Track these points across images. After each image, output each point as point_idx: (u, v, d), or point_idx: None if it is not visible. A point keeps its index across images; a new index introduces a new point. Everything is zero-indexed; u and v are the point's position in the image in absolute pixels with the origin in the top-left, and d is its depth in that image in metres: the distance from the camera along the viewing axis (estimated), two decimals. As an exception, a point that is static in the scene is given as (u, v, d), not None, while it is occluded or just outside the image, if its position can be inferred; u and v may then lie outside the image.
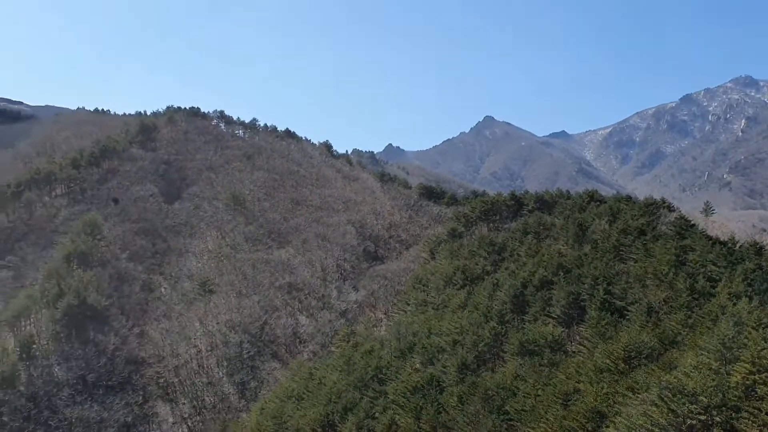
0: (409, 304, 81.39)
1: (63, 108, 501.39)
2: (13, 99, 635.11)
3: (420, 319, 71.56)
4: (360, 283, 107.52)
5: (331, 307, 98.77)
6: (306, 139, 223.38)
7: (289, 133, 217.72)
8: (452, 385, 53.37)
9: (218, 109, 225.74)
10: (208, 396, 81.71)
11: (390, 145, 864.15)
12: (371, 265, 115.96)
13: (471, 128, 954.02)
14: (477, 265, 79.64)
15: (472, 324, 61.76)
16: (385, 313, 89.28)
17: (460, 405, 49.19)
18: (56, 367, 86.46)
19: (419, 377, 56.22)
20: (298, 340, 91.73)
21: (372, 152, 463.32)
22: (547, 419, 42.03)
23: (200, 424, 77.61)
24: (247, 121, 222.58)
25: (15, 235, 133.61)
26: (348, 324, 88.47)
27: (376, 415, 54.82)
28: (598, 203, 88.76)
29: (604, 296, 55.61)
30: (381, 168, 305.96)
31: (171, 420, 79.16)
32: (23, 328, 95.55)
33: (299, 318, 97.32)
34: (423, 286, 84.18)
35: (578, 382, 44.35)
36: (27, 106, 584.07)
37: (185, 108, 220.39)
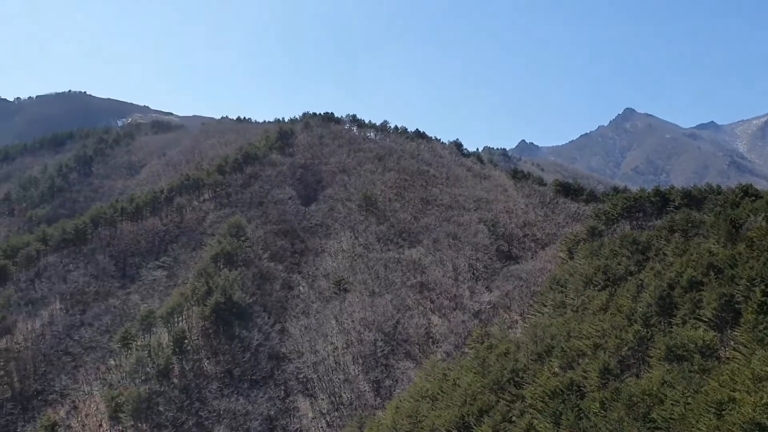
0: (546, 306, 79.38)
1: (208, 118, 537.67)
2: (165, 111, 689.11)
3: (558, 322, 69.56)
4: (493, 283, 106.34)
5: (463, 307, 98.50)
6: (436, 139, 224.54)
7: (419, 134, 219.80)
8: (594, 390, 51.44)
9: (351, 114, 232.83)
10: (345, 393, 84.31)
11: (523, 141, 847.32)
12: (505, 264, 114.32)
13: (610, 121, 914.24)
14: (619, 265, 76.09)
15: (614, 327, 59.18)
16: (521, 315, 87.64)
17: (602, 411, 47.31)
18: (205, 361, 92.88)
19: (558, 381, 54.67)
20: (431, 340, 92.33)
21: (504, 149, 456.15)
22: (698, 429, 39.41)
23: (338, 420, 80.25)
24: (378, 124, 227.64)
25: (168, 237, 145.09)
26: (482, 325, 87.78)
27: (513, 418, 54.02)
28: (754, 198, 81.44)
29: (762, 298, 51.11)
30: (513, 165, 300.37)
31: (310, 415, 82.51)
32: (176, 324, 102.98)
33: (432, 318, 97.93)
34: (561, 287, 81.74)
35: (734, 391, 41.17)
36: (176, 116, 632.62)
37: (320, 114, 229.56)
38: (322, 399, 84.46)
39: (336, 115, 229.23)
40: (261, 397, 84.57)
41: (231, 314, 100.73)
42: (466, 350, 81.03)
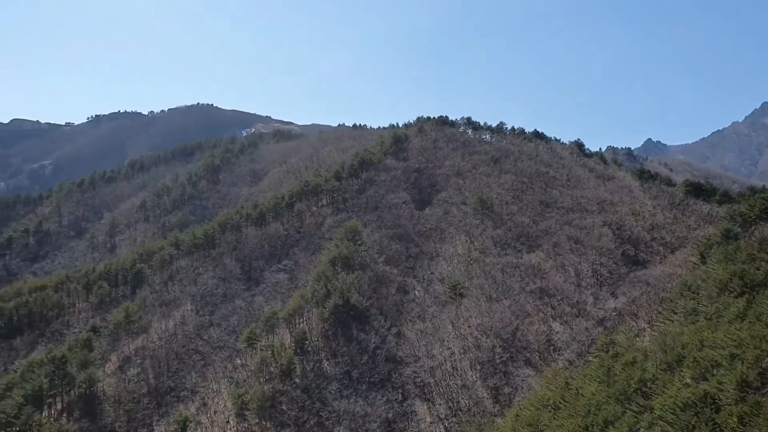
0: (676, 313, 75.11)
1: (326, 126, 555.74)
2: (285, 120, 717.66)
3: (690, 330, 65.60)
4: (619, 289, 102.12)
5: (587, 314, 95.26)
6: (555, 140, 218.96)
7: (537, 135, 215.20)
8: (731, 404, 48.05)
9: (465, 116, 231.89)
10: (462, 398, 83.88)
11: (649, 140, 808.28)
12: (631, 269, 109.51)
13: (746, 117, 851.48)
14: (758, 270, 70.59)
15: (753, 337, 54.97)
16: (649, 322, 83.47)
17: (740, 426, 44.12)
18: (325, 362, 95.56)
19: (690, 393, 51.54)
20: (552, 347, 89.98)
21: (629, 149, 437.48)
22: None
23: (456, 425, 79.96)
24: (493, 126, 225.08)
25: (289, 241, 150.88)
26: (606, 332, 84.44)
27: (641, 430, 51.57)
28: None
29: None
30: (639, 165, 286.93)
31: (428, 419, 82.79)
32: (297, 325, 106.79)
33: (552, 325, 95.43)
34: (692, 293, 77.06)
35: None
36: (296, 125, 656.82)
37: (434, 117, 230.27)
38: (440, 404, 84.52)
39: (450, 118, 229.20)
40: (379, 400, 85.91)
41: (349, 317, 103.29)
42: (590, 358, 78.26)
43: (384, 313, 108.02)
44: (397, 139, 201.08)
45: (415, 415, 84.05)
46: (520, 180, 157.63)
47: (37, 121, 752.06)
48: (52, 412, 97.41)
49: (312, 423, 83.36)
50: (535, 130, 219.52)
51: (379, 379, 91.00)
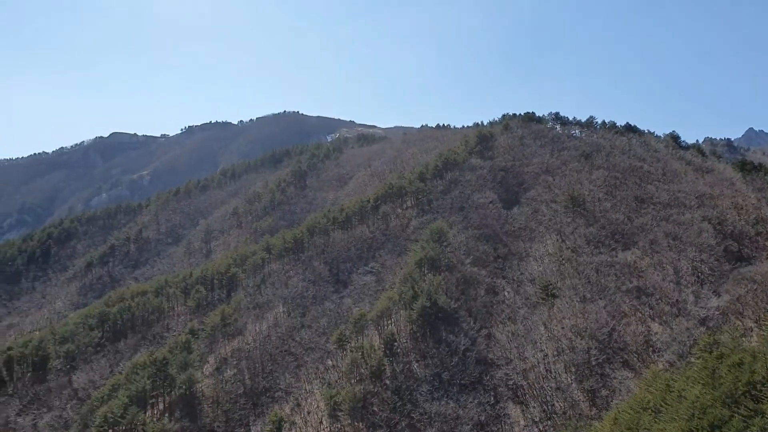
0: (787, 312, 70.65)
1: (409, 127, 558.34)
2: (369, 124, 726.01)
3: (804, 329, 61.55)
4: (722, 287, 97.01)
5: (687, 313, 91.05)
6: (649, 132, 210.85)
7: (629, 128, 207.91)
8: None
9: (553, 112, 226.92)
10: (557, 401, 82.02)
11: (751, 129, 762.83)
12: (735, 266, 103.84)
13: None
14: None
15: None
16: (756, 321, 78.91)
17: None
18: (415, 364, 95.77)
19: (807, 397, 48.39)
20: (650, 348, 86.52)
21: (728, 139, 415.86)
22: None
23: (551, 429, 78.27)
24: (583, 120, 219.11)
25: (375, 243, 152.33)
26: (709, 332, 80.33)
27: (752, 436, 48.78)
28: None
29: None
30: (741, 156, 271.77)
31: (522, 423, 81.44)
32: (386, 327, 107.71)
33: (651, 325, 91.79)
34: (806, 290, 72.26)
35: None
36: (380, 129, 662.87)
37: (520, 114, 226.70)
38: (534, 407, 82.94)
39: (537, 115, 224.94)
40: (471, 402, 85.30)
41: (437, 318, 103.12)
42: (693, 360, 74.71)
43: (473, 315, 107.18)
44: (482, 137, 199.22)
45: (508, 418, 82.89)
46: (612, 175, 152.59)
47: (135, 134, 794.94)
48: (155, 412, 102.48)
49: (404, 425, 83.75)
50: (627, 123, 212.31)
51: (470, 381, 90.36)
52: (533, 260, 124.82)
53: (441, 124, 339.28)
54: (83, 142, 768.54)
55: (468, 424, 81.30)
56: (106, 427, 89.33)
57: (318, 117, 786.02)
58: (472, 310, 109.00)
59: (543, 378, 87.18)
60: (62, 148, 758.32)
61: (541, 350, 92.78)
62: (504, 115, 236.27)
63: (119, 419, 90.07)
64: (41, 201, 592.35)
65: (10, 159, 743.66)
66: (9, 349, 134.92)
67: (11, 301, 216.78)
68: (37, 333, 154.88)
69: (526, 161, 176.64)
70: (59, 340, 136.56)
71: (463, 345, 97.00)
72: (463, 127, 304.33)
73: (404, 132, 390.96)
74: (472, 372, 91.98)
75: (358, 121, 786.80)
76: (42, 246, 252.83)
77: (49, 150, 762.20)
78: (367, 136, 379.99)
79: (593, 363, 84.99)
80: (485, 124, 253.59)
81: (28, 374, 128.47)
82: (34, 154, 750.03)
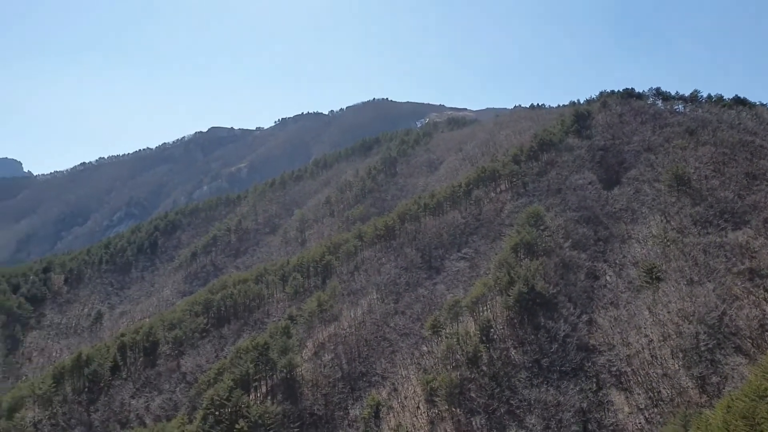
0: None
1: (501, 109, 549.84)
2: (459, 107, 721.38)
3: None
4: None
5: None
6: (761, 104, 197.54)
7: (738, 101, 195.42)
8: None
9: (654, 87, 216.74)
10: (663, 388, 78.90)
11: None
12: None
13: None
14: None
15: None
16: None
17: None
18: (512, 351, 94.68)
19: None
20: (766, 333, 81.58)
21: None
22: None
23: (658, 416, 75.45)
24: (686, 95, 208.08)
25: (468, 229, 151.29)
26: (835, 317, 74.90)
27: None
28: None
29: None
30: None
31: (626, 410, 78.93)
32: (481, 313, 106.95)
33: (766, 308, 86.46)
34: None
35: None
36: (470, 111, 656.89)
37: (619, 91, 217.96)
38: (639, 394, 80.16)
39: (637, 91, 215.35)
40: (572, 389, 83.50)
41: (535, 304, 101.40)
42: (816, 346, 69.92)
43: (573, 300, 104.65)
44: (579, 116, 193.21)
45: (612, 405, 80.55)
46: (720, 151, 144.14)
47: (232, 127, 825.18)
48: (258, 395, 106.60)
49: (502, 411, 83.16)
50: (736, 96, 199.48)
51: (571, 368, 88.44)
52: (636, 242, 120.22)
53: (535, 104, 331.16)
54: (184, 137, 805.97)
55: (569, 411, 79.71)
56: (212, 410, 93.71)
57: (407, 103, 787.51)
58: (571, 295, 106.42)
59: (648, 364, 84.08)
60: (165, 143, 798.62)
61: (646, 335, 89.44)
62: (602, 93, 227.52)
63: (225, 402, 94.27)
64: (147, 195, 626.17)
65: (118, 156, 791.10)
66: (122, 335, 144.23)
67: (123, 290, 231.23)
68: (147, 320, 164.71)
69: (626, 139, 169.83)
70: (168, 327, 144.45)
71: (563, 331, 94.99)
72: (559, 106, 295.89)
73: (496, 114, 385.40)
74: (573, 358, 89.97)
75: (448, 105, 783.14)
76: (149, 237, 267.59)
77: (153, 146, 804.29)
78: (458, 120, 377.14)
79: (702, 348, 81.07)
80: (581, 102, 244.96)
81: (140, 359, 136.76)
82: (139, 150, 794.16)
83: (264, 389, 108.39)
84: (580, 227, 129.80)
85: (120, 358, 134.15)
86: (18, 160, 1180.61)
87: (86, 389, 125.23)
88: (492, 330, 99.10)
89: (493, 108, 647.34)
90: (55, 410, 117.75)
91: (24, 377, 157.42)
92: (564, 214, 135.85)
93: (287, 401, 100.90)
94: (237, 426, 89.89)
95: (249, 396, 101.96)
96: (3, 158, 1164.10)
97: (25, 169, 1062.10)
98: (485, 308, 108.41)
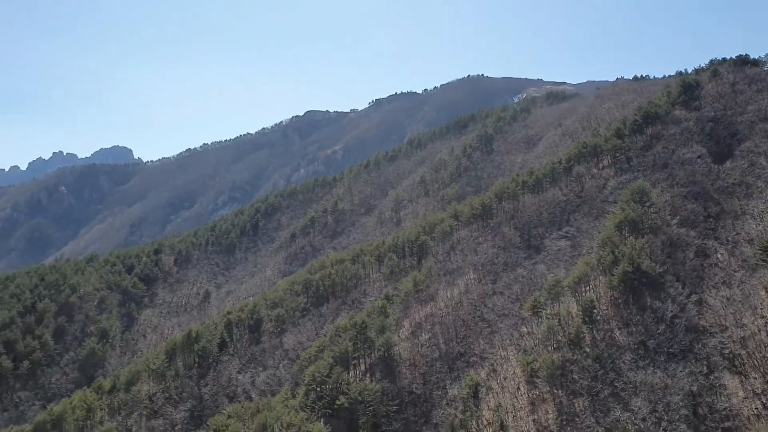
0: None
1: (602, 81, 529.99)
2: (558, 81, 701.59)
3: None
4: None
5: None
6: None
7: None
8: None
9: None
10: (783, 373, 74.47)
11: None
12: None
13: None
14: None
15: None
16: None
17: None
18: (617, 332, 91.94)
19: None
20: None
21: None
22: None
23: (776, 403, 71.38)
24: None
25: (569, 207, 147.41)
26: None
27: None
28: None
29: None
30: None
31: (741, 394, 75.00)
32: (583, 294, 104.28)
33: None
34: None
35: None
36: (570, 85, 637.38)
37: (730, 58, 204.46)
38: (755, 378, 75.93)
39: (751, 57, 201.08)
40: (680, 372, 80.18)
41: (640, 284, 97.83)
42: None
43: (681, 280, 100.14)
44: (687, 86, 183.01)
45: (725, 389, 76.78)
46: None
47: (327, 111, 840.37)
48: (357, 373, 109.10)
49: (606, 393, 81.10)
50: None
51: (679, 349, 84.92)
52: (750, 218, 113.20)
53: (638, 76, 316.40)
54: (282, 121, 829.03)
55: (678, 395, 76.68)
56: (314, 386, 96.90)
57: (503, 78, 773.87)
58: (679, 274, 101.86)
59: (765, 347, 79.41)
60: (264, 128, 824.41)
61: (762, 317, 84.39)
62: (711, 61, 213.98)
63: (325, 378, 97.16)
64: (248, 179, 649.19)
65: (220, 141, 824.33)
66: (228, 313, 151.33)
67: (228, 270, 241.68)
68: (251, 299, 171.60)
69: (739, 110, 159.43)
70: (270, 305, 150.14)
71: (671, 311, 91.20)
72: (664, 77, 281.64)
73: (597, 87, 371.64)
74: (682, 340, 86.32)
75: (546, 79, 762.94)
76: (251, 220, 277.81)
77: (253, 131, 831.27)
78: (557, 94, 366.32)
79: (829, 332, 75.79)
80: (689, 72, 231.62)
81: (245, 336, 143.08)
82: (240, 135, 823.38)
83: (363, 367, 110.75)
84: (689, 203, 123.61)
85: (227, 335, 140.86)
86: (129, 147, 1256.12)
87: (196, 364, 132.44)
88: (595, 311, 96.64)
89: (594, 81, 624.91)
90: (168, 384, 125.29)
91: (139, 353, 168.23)
92: (671, 190, 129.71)
93: (385, 379, 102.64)
94: (338, 402, 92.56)
95: (348, 373, 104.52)
96: (115, 146, 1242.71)
97: (136, 156, 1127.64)
98: (588, 288, 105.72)
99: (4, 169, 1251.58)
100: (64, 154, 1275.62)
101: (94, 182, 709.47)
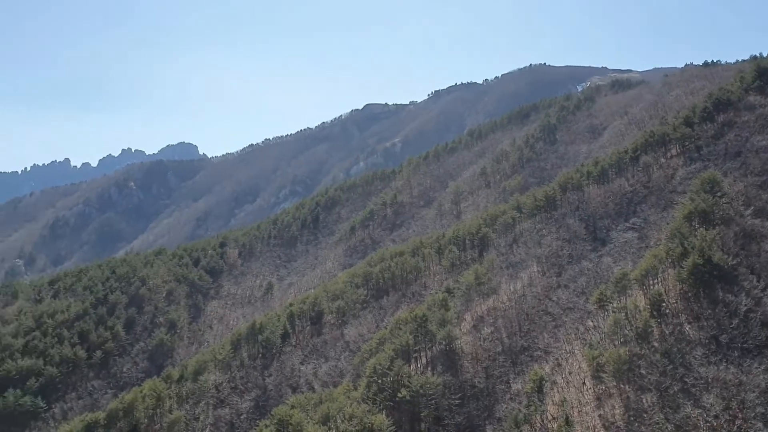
0: None
1: (670, 68, 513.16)
2: (623, 69, 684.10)
3: None
4: None
5: None
6: None
7: None
8: None
9: None
10: None
11: None
12: None
13: None
14: None
15: None
16: None
17: None
18: (686, 326, 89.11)
19: None
20: None
21: None
22: None
23: None
24: None
25: (636, 198, 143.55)
26: None
27: None
28: None
29: None
30: None
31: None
32: (651, 287, 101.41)
33: None
34: None
35: None
36: (636, 72, 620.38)
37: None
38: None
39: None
40: (756, 368, 77.07)
41: (712, 277, 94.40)
42: None
43: (756, 273, 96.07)
44: (762, 71, 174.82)
45: (805, 388, 73.57)
46: None
47: (386, 103, 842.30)
48: (418, 366, 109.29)
49: (676, 389, 78.74)
50: None
51: (754, 345, 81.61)
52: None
53: (709, 61, 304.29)
54: (341, 115, 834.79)
55: (754, 392, 73.80)
56: (375, 378, 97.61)
57: (566, 67, 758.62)
58: (754, 267, 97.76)
59: None
60: (323, 122, 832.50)
61: None
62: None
63: (387, 371, 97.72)
64: (309, 172, 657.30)
65: (282, 136, 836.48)
66: (290, 305, 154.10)
67: (290, 262, 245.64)
68: (313, 291, 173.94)
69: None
70: (331, 297, 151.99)
71: (745, 305, 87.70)
72: (737, 62, 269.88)
73: (665, 74, 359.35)
74: (758, 335, 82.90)
75: (611, 67, 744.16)
76: (312, 213, 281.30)
77: (313, 126, 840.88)
78: (622, 82, 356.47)
79: None
80: (765, 56, 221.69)
81: (307, 327, 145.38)
82: (301, 130, 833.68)
83: (423, 360, 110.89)
84: (764, 193, 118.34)
85: (289, 327, 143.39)
86: (194, 144, 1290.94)
87: (260, 355, 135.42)
88: (664, 304, 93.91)
89: (661, 68, 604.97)
90: (233, 374, 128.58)
91: (206, 343, 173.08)
92: (744, 179, 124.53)
93: (447, 373, 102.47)
94: (399, 395, 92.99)
95: (409, 366, 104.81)
96: (181, 143, 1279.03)
97: (201, 152, 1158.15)
98: (656, 281, 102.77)
99: (76, 166, 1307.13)
100: (133, 150, 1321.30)
101: (162, 178, 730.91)
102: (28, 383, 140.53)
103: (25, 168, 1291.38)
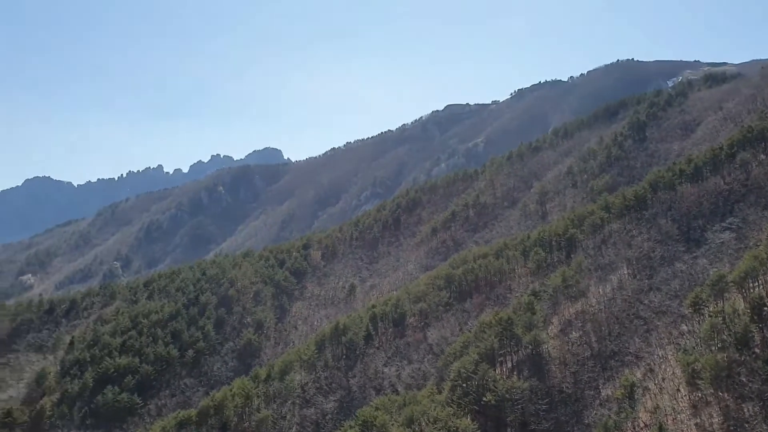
0: None
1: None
2: (717, 62, 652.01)
3: None
4: None
5: None
6: None
7: None
8: None
9: None
10: None
11: None
12: None
13: None
14: None
15: None
16: None
17: None
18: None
19: None
20: None
21: None
22: None
23: None
24: None
25: (733, 196, 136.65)
26: None
27: None
28: None
29: None
30: None
31: None
32: (751, 290, 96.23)
33: None
34: None
35: None
36: (732, 65, 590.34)
37: None
38: None
39: None
40: None
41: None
42: None
43: None
44: None
45: None
46: None
47: (467, 103, 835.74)
48: (504, 370, 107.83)
49: (780, 399, 74.38)
50: None
51: None
52: None
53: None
54: (422, 117, 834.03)
55: None
56: (460, 381, 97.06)
57: (655, 62, 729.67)
58: None
59: None
60: (404, 124, 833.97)
61: None
62: None
63: (471, 375, 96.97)
64: (389, 174, 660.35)
65: (363, 139, 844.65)
66: (373, 306, 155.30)
67: (372, 264, 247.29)
68: (395, 293, 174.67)
69: None
70: (413, 300, 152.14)
71: None
72: None
73: (762, 66, 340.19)
74: None
75: (703, 60, 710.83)
76: (393, 215, 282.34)
77: (393, 128, 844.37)
78: (716, 76, 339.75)
79: None
80: None
81: (390, 329, 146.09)
82: (381, 132, 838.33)
83: (509, 364, 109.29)
84: None
85: (372, 328, 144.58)
86: (279, 149, 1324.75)
87: (344, 356, 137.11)
88: (765, 308, 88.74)
89: (760, 59, 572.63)
90: (318, 374, 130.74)
91: (292, 343, 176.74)
92: None
93: (534, 377, 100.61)
94: (484, 399, 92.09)
95: (495, 370, 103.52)
96: (266, 148, 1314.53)
97: (285, 157, 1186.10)
98: (756, 284, 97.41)
99: (168, 172, 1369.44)
100: (221, 156, 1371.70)
101: (249, 182, 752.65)
102: (125, 380, 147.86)
103: (122, 174, 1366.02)
